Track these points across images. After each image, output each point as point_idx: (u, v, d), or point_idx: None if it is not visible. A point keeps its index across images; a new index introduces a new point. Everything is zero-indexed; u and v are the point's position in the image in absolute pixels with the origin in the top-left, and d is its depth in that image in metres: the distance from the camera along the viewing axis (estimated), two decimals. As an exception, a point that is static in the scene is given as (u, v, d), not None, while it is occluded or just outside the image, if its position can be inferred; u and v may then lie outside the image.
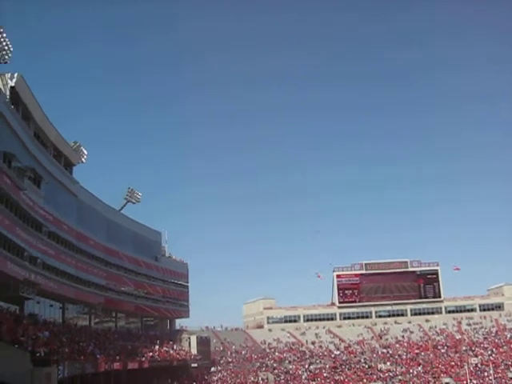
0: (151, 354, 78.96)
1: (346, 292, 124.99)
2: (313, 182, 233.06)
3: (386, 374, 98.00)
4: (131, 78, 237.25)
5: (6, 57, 51.83)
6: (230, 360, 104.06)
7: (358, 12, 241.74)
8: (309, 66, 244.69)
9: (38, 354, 41.41)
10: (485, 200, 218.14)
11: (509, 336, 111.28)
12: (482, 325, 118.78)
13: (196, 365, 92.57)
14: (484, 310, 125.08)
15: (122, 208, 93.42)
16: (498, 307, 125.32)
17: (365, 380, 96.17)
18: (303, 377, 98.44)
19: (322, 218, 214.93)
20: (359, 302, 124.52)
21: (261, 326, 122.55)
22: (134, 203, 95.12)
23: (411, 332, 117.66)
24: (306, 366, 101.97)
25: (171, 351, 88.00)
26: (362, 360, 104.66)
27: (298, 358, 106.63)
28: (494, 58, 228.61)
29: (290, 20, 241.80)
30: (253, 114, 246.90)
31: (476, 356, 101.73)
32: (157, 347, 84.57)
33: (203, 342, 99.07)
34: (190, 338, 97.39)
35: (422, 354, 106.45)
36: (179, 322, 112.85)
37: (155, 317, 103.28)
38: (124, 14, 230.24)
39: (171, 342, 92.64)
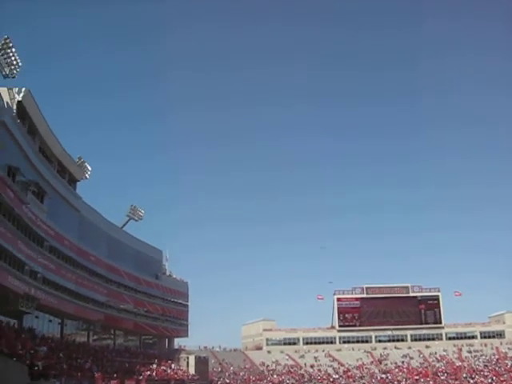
0: (149, 372, 78.40)
1: (347, 315, 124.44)
2: (315, 204, 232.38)
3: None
4: (133, 92, 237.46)
5: (15, 71, 52.48)
6: (227, 381, 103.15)
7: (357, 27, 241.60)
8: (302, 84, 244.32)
9: (36, 368, 41.39)
10: (488, 227, 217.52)
11: (509, 364, 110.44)
12: (482, 352, 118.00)
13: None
14: (485, 337, 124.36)
15: (124, 225, 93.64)
16: (499, 335, 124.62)
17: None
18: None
19: (324, 241, 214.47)
20: (359, 325, 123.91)
21: (260, 348, 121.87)
22: (136, 220, 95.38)
23: (411, 358, 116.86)
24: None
25: (169, 370, 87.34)
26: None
27: (296, 380, 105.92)
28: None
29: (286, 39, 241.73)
30: (256, 132, 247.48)
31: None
32: (155, 366, 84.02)
33: (201, 362, 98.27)
34: (188, 358, 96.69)
35: (422, 380, 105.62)
36: (178, 341, 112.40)
37: (154, 335, 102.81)
38: (128, 23, 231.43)
39: (169, 361, 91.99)
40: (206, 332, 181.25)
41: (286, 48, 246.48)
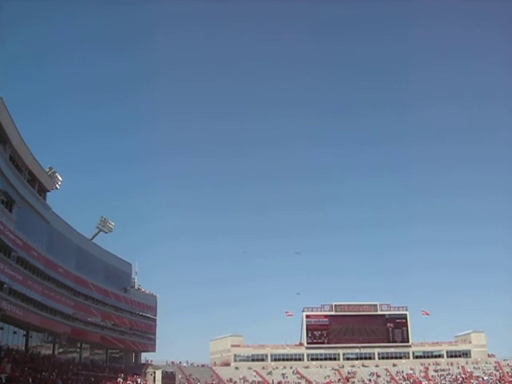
0: (115, 386, 77.54)
1: (315, 333, 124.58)
2: (285, 222, 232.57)
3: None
4: (108, 103, 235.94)
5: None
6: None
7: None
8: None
9: (-1, 381, 40.62)
10: (456, 246, 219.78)
11: (475, 383, 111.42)
12: (448, 371, 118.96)
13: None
14: (451, 356, 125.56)
15: (94, 237, 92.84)
16: (465, 354, 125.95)
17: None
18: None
19: (293, 258, 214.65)
20: (327, 343, 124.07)
21: (227, 364, 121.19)
22: (106, 232, 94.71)
23: (378, 376, 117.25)
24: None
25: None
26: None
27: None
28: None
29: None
30: (233, 144, 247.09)
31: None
32: (121, 380, 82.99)
33: (168, 377, 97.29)
34: (155, 373, 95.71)
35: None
36: (145, 356, 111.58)
37: (121, 349, 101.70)
38: (109, 31, 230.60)
39: (135, 376, 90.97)
40: (173, 347, 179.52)
41: (275, 57, 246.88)
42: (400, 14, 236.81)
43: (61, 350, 79.89)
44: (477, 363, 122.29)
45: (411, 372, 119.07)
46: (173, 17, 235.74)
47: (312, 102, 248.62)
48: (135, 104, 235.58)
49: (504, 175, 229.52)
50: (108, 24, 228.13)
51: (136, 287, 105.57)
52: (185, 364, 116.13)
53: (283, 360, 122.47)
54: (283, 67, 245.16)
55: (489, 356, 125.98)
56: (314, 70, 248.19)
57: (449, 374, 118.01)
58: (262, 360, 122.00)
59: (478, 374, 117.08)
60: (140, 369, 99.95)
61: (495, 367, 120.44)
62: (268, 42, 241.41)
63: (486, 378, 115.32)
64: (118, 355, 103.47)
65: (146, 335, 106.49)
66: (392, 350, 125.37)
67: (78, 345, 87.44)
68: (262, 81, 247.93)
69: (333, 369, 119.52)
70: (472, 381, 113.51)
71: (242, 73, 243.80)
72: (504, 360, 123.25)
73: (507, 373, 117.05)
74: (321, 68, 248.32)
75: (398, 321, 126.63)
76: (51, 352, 75.54)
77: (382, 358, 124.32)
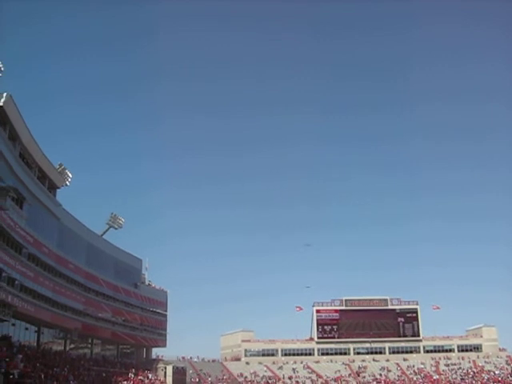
0: (126, 382, 77.92)
1: (326, 327, 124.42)
2: (295, 217, 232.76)
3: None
4: (118, 101, 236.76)
5: (-4, 76, 52.05)
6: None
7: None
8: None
9: (11, 377, 40.84)
10: (466, 241, 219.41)
11: (486, 378, 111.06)
12: (459, 365, 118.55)
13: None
14: (462, 350, 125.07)
15: (104, 233, 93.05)
16: (476, 348, 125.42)
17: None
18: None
19: (303, 253, 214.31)
20: (338, 337, 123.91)
21: (238, 359, 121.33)
22: (116, 229, 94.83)
23: (389, 370, 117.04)
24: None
25: (146, 380, 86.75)
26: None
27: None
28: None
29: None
30: (242, 143, 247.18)
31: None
32: (132, 376, 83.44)
33: (179, 373, 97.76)
34: (165, 368, 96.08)
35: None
36: (156, 351, 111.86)
37: (132, 345, 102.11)
38: (114, 30, 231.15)
39: (147, 371, 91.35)
40: (184, 342, 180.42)
41: (277, 57, 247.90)
42: (400, 13, 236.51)
43: (72, 345, 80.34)
44: (488, 357, 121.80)
45: (422, 366, 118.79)
46: (174, 16, 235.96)
47: (314, 100, 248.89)
48: (142, 103, 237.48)
49: (505, 173, 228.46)
50: (110, 24, 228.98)
51: (146, 283, 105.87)
52: (195, 359, 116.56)
53: (294, 355, 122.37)
54: (284, 66, 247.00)
55: (500, 350, 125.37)
56: (315, 69, 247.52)
57: (460, 368, 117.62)
58: (273, 355, 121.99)
59: (490, 368, 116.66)
60: (151, 364, 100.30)
61: (506, 361, 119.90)
62: (269, 41, 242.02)
63: (497, 372, 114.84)
64: (129, 351, 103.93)
65: (157, 331, 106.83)
66: (403, 344, 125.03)
67: (89, 340, 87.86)
68: (264, 80, 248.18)
69: (343, 363, 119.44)
70: (483, 375, 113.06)
71: (244, 72, 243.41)
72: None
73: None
74: (322, 67, 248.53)
75: (408, 315, 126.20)
76: (63, 348, 76.04)
77: (393, 352, 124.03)
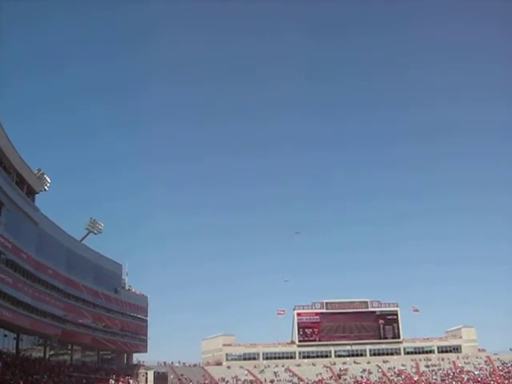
0: (107, 388, 77.41)
1: (306, 330, 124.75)
2: (275, 221, 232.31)
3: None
4: (98, 106, 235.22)
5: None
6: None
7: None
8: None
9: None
10: (445, 240, 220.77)
11: (466, 378, 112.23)
12: (439, 366, 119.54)
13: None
14: (442, 351, 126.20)
15: (84, 238, 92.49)
16: (456, 349, 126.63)
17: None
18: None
19: (284, 257, 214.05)
20: (319, 340, 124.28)
21: (219, 363, 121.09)
22: (95, 234, 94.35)
23: (370, 372, 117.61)
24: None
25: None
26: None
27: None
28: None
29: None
30: (222, 147, 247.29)
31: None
32: (113, 382, 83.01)
33: (160, 378, 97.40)
34: (147, 373, 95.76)
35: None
36: (137, 357, 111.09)
37: (112, 350, 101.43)
38: (99, 34, 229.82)
39: (128, 377, 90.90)
40: (165, 347, 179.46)
41: (266, 59, 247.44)
42: (400, 13, 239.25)
43: (52, 352, 79.68)
44: (467, 358, 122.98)
45: (403, 368, 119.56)
46: (165, 19, 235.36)
47: (301, 103, 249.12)
48: (124, 108, 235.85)
49: (490, 170, 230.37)
50: (100, 26, 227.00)
51: (127, 288, 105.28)
52: (177, 364, 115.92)
53: (275, 358, 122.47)
54: (275, 68, 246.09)
55: (479, 351, 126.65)
56: (308, 70, 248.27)
57: (440, 369, 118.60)
58: (254, 359, 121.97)
59: (469, 369, 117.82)
60: (132, 370, 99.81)
61: (486, 362, 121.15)
62: (261, 42, 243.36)
63: (476, 372, 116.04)
64: (109, 356, 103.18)
65: (138, 336, 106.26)
66: (383, 346, 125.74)
67: (69, 347, 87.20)
68: (253, 82, 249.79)
69: (324, 366, 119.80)
70: (463, 376, 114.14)
71: (232, 75, 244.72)
72: (494, 354, 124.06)
73: (497, 367, 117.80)
74: (316, 69, 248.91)
75: (388, 317, 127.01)
76: (42, 355, 75.43)
77: (374, 354, 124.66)
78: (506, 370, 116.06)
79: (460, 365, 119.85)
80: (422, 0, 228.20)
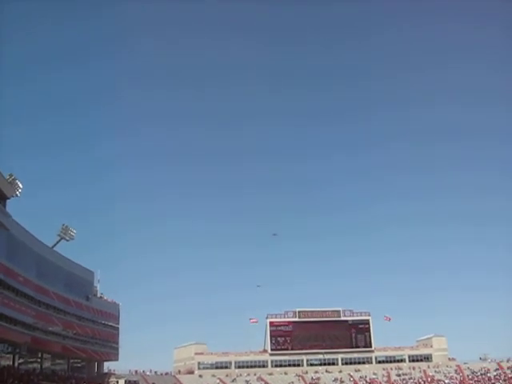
0: (76, 397, 76.45)
1: (279, 339, 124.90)
2: (245, 232, 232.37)
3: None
4: (73, 112, 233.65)
5: None
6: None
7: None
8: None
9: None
10: (416, 247, 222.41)
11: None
12: (410, 375, 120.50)
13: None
14: (413, 360, 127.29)
15: (55, 245, 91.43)
16: (427, 358, 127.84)
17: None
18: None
19: (257, 267, 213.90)
20: (291, 349, 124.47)
21: (191, 372, 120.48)
22: (67, 240, 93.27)
23: (342, 381, 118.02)
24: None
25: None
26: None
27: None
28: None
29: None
30: (197, 155, 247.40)
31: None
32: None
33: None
34: (117, 382, 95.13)
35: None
36: (107, 365, 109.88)
37: (83, 358, 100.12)
38: (72, 40, 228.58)
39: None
40: (137, 356, 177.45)
41: (233, 65, 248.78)
42: (400, 13, 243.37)
43: (21, 360, 78.22)
44: (438, 367, 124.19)
45: (374, 377, 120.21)
46: (137, 25, 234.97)
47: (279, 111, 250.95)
48: (99, 115, 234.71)
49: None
50: (72, 34, 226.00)
51: (98, 295, 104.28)
52: (148, 373, 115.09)
53: (247, 367, 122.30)
54: (247, 76, 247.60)
55: (449, 360, 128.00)
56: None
57: (411, 378, 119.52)
58: (226, 367, 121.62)
59: (440, 378, 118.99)
60: (102, 378, 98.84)
61: (456, 370, 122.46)
62: (239, 49, 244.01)
63: (447, 381, 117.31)
64: (80, 365, 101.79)
65: (109, 344, 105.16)
66: (355, 355, 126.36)
67: (39, 355, 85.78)
68: (228, 88, 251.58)
69: (297, 375, 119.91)
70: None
71: (203, 81, 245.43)
72: (464, 363, 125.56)
73: (467, 376, 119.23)
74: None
75: (360, 326, 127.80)
76: (11, 363, 74.12)
77: (346, 363, 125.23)
78: (476, 378, 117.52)
79: (431, 374, 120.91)
80: (422, 0, 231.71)
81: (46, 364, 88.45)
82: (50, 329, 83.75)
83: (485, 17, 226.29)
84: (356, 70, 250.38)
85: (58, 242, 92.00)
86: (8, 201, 71.34)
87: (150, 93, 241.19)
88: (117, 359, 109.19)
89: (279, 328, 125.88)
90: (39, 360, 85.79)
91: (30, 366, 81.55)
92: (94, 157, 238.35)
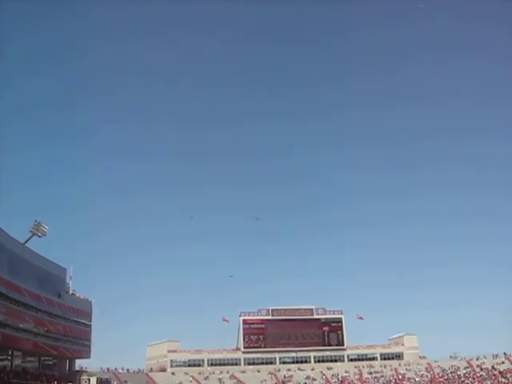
0: (48, 394, 75.75)
1: (252, 337, 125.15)
2: (222, 229, 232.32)
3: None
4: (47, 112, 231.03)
5: None
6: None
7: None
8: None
9: None
10: (388, 247, 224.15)
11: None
12: (382, 373, 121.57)
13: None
14: (385, 358, 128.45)
15: (27, 241, 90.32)
16: (398, 356, 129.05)
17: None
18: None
19: (230, 264, 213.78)
20: (264, 347, 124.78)
21: (164, 370, 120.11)
22: (39, 236, 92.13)
23: (314, 379, 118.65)
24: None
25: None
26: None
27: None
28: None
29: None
30: (175, 153, 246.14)
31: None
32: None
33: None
34: (89, 380, 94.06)
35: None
36: (79, 363, 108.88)
37: (54, 356, 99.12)
38: (43, 41, 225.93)
39: (70, 383, 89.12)
40: (109, 353, 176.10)
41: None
42: (399, 13, 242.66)
43: (-10, 358, 77.52)
44: (409, 365, 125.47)
45: (346, 375, 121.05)
46: (103, 27, 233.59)
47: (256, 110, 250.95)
48: (74, 116, 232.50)
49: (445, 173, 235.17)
50: (44, 35, 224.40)
51: (70, 292, 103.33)
52: (120, 370, 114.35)
53: (220, 365, 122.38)
54: (223, 75, 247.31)
55: (420, 358, 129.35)
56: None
57: (382, 376, 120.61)
58: (199, 365, 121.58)
59: (411, 376, 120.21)
60: (74, 376, 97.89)
61: (426, 368, 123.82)
62: (207, 49, 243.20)
63: (417, 379, 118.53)
64: (51, 362, 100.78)
65: (81, 341, 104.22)
66: (327, 353, 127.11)
67: (9, 352, 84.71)
68: (201, 89, 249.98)
69: (269, 373, 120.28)
70: (404, 382, 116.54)
71: (178, 80, 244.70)
72: (435, 361, 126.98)
73: (438, 374, 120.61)
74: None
75: (333, 324, 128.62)
76: (-20, 360, 73.31)
77: (318, 361, 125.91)
78: (446, 376, 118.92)
79: (402, 372, 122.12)
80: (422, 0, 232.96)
81: (17, 361, 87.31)
82: (21, 326, 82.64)
83: (484, 17, 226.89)
84: (356, 70, 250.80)
85: (29, 238, 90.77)
86: (-21, 196, 70.46)
87: (116, 95, 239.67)
88: (89, 357, 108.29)
89: (252, 326, 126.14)
90: (9, 357, 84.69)
91: (0, 363, 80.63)
92: (67, 153, 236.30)
